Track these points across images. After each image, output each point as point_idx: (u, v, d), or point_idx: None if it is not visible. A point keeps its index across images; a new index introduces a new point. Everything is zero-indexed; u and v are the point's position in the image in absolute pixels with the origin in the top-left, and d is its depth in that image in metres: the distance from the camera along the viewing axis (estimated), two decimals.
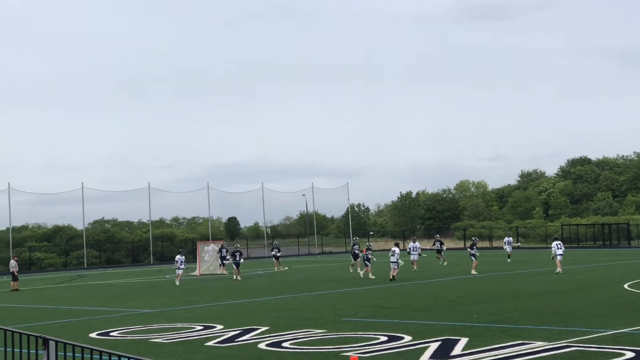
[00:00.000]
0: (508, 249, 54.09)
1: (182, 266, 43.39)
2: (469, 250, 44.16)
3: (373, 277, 39.62)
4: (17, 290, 42.07)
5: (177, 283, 42.00)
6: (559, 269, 38.61)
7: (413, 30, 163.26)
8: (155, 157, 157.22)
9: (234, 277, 44.31)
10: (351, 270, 45.06)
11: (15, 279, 43.28)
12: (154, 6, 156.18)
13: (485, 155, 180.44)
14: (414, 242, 47.42)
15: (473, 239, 46.78)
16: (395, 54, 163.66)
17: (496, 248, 76.34)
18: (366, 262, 40.88)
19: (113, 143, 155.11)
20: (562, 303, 24.26)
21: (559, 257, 39.19)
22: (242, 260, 46.01)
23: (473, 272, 40.68)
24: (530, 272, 40.71)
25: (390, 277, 37.80)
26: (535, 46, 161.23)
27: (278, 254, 55.30)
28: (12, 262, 44.56)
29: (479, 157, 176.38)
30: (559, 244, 40.20)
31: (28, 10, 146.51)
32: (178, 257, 43.65)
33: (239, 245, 53.70)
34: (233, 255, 45.72)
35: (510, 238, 56.35)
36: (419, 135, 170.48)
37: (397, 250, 38.46)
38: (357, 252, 45.15)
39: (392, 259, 38.11)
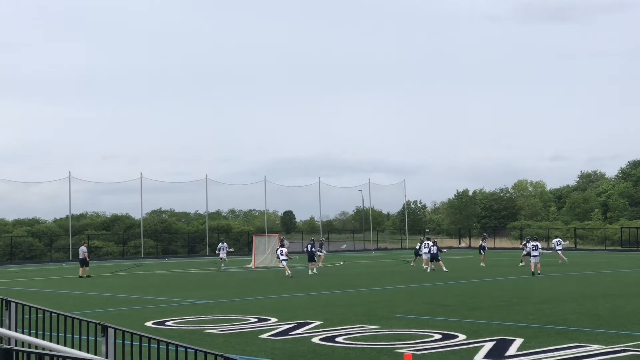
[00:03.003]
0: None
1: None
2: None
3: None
4: (89, 276, 42.62)
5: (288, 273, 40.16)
6: (562, 259, 46.90)
7: (476, 29, 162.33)
8: (215, 150, 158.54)
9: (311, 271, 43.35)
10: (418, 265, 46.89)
11: (86, 264, 43.78)
12: (217, 1, 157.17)
13: (546, 155, 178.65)
14: (428, 240, 47.13)
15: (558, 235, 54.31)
16: (457, 52, 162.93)
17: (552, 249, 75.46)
18: (481, 250, 48.75)
19: (174, 135, 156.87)
20: (620, 306, 23.89)
21: (532, 260, 41.15)
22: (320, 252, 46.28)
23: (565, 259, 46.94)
24: (587, 274, 40.19)
25: (534, 271, 39.72)
26: (598, 47, 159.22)
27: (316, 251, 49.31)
28: (83, 248, 44.90)
29: (538, 157, 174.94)
30: (559, 241, 49.94)
31: (95, 5, 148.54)
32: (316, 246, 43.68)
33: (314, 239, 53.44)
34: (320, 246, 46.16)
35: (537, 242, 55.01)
36: (480, 133, 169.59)
37: (539, 244, 41.37)
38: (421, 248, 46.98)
39: (535, 253, 40.37)
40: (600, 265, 47.27)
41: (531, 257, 40.63)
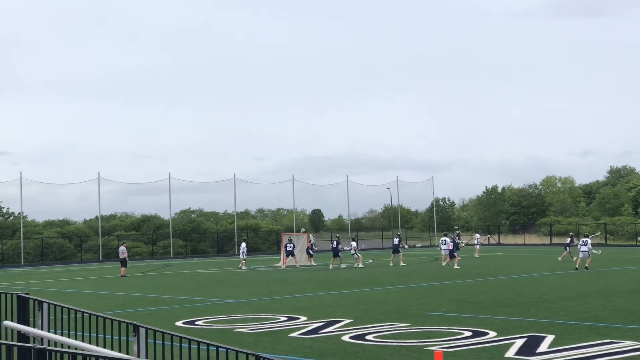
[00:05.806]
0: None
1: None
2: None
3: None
4: (124, 276, 42.95)
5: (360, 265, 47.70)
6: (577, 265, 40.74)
7: (504, 25, 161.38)
8: (243, 149, 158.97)
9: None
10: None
11: (124, 264, 44.22)
12: (245, 1, 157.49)
13: (575, 151, 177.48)
14: (445, 236, 47.42)
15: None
16: (486, 48, 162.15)
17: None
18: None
19: (202, 134, 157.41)
20: None
21: (581, 255, 40.56)
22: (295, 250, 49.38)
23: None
24: (618, 270, 39.88)
25: (579, 266, 40.14)
26: (629, 41, 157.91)
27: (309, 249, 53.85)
28: (122, 249, 45.46)
29: (568, 153, 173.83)
30: (586, 241, 41.27)
31: (122, 6, 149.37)
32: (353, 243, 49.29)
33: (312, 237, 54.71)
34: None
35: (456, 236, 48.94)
36: (508, 130, 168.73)
37: (589, 240, 41.28)
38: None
39: (584, 248, 40.46)
40: (631, 261, 46.88)
41: (580, 252, 40.75)
